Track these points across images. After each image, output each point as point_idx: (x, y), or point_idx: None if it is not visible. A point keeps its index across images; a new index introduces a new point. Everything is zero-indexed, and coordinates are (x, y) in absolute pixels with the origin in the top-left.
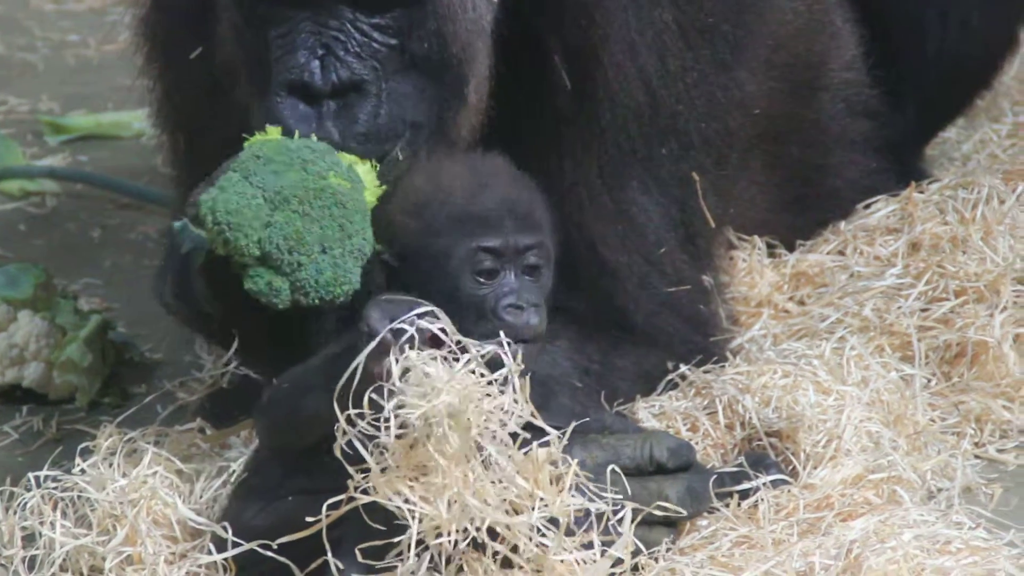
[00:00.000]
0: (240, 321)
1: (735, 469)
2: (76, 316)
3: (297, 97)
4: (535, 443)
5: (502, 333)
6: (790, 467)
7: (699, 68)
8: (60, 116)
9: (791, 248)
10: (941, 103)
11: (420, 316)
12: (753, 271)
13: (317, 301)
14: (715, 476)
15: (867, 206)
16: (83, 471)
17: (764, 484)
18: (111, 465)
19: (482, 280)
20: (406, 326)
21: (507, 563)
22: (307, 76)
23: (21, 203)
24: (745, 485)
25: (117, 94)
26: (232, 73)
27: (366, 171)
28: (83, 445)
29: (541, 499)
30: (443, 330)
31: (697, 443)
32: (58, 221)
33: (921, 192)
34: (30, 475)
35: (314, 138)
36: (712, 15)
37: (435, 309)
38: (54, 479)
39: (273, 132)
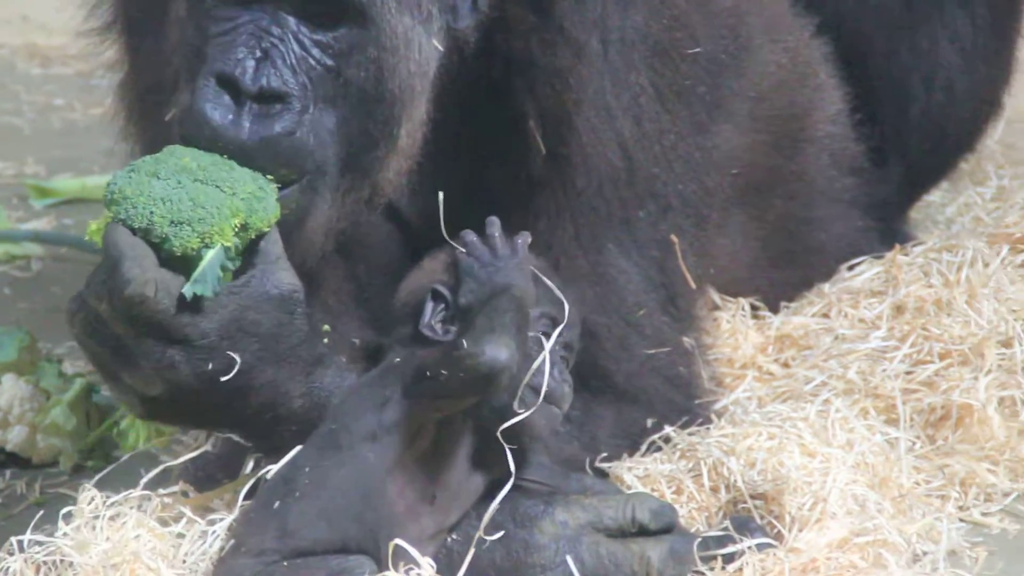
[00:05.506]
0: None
1: (720, 532)
2: (60, 379)
3: (224, 89)
4: None
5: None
6: (775, 530)
7: (676, 130)
8: (46, 179)
9: (775, 308)
10: (925, 166)
11: None
12: (737, 333)
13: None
14: (699, 539)
15: (851, 268)
16: (66, 535)
17: (749, 547)
18: (94, 529)
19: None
20: None
21: None
22: (239, 72)
23: (6, 267)
24: (730, 548)
25: (103, 157)
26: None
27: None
28: (66, 509)
29: None
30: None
31: (682, 506)
32: (43, 284)
33: (905, 255)
34: (13, 539)
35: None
36: (689, 77)
37: None
38: (37, 543)
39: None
